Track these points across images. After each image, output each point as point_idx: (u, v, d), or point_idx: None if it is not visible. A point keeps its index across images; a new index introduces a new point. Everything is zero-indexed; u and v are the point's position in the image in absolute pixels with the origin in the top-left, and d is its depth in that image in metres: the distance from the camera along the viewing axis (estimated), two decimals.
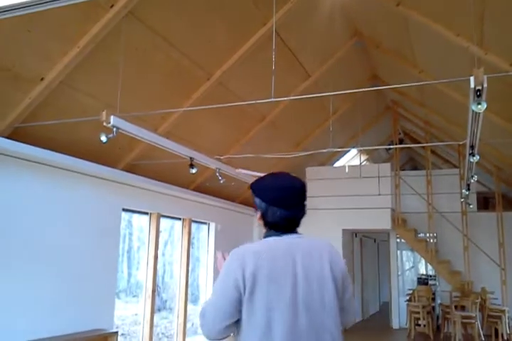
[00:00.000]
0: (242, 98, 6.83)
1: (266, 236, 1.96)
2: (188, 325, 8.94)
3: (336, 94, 4.90)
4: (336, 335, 1.84)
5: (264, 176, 2.04)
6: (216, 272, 8.81)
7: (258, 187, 1.99)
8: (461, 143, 5.88)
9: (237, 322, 1.81)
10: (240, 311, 1.78)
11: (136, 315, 11.07)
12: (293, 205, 1.96)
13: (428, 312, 9.29)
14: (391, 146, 8.78)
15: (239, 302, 1.78)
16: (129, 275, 14.75)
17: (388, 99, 10.79)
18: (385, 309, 13.01)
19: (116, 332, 6.27)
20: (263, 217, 1.96)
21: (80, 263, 6.07)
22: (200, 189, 8.66)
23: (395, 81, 8.59)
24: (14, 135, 5.08)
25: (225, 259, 2.00)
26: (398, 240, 10.89)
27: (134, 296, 13.68)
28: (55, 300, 5.66)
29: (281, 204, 1.92)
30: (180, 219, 8.74)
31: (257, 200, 1.98)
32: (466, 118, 4.41)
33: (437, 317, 10.24)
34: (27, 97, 4.87)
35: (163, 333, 9.67)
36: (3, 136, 4.96)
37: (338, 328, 1.86)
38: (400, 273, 11.07)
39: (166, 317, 11.12)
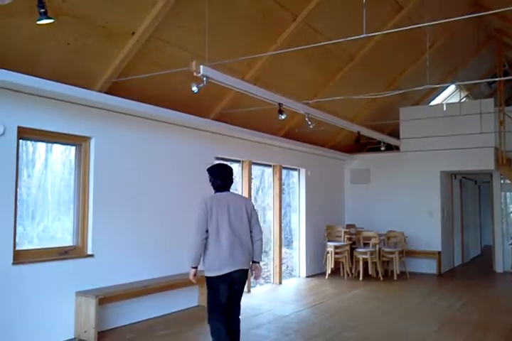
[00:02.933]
0: (329, 38, 6.50)
1: (215, 193, 4.06)
2: (283, 267, 9.23)
3: (433, 25, 4.50)
4: (248, 240, 3.97)
5: (213, 165, 4.23)
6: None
7: (210, 170, 4.10)
8: None
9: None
10: (207, 224, 3.85)
11: None
12: (224, 179, 4.05)
13: None
14: (495, 79, 7.99)
15: (207, 220, 3.85)
16: None
17: (491, 28, 9.76)
18: (486, 253, 12.53)
19: None
20: (213, 184, 4.06)
21: (181, 211, 6.37)
22: (290, 135, 8.61)
23: (500, 5, 7.69)
24: (112, 90, 5.28)
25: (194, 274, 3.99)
26: (502, 181, 10.21)
27: None
28: (161, 246, 6.06)
29: (219, 178, 4.04)
30: (270, 166, 8.81)
31: (209, 176, 4.08)
32: None
33: None
34: (121, 52, 4.99)
35: None
36: (102, 92, 5.18)
37: (248, 236, 3.98)
38: (504, 215, 10.48)
39: (262, 260, 11.58)
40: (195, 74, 4.71)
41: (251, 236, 3.99)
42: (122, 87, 5.37)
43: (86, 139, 5.25)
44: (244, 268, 3.93)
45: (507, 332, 5.42)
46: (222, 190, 4.02)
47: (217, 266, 3.79)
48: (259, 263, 4.05)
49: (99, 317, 4.96)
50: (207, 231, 3.82)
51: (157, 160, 6.07)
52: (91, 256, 5.17)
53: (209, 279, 3.86)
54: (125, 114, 5.59)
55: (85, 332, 4.84)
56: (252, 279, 4.39)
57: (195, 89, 4.82)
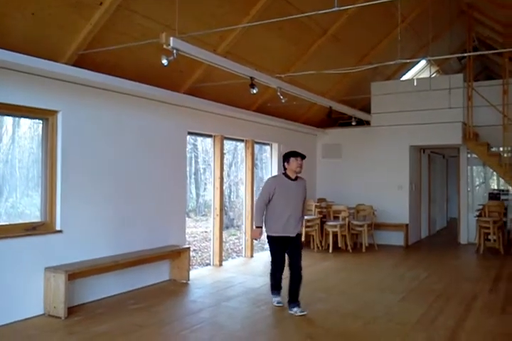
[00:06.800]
0: (302, 10, 6.41)
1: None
2: (255, 241, 9.34)
3: None
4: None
5: None
6: None
7: None
8: None
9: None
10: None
11: (205, 232, 11.75)
12: None
13: (499, 227, 9.12)
14: (465, 54, 8.07)
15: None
16: (198, 195, 15.47)
17: (463, 3, 9.80)
18: (452, 225, 12.95)
19: (189, 248, 6.66)
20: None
21: (151, 186, 6.35)
22: (262, 110, 8.57)
23: None
24: (79, 62, 5.13)
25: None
26: (469, 155, 10.47)
27: (203, 215, 14.45)
28: (132, 221, 6.04)
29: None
30: (243, 140, 8.79)
31: None
32: None
33: (508, 232, 10.07)
34: (88, 23, 4.83)
35: (231, 248, 10.23)
36: (69, 64, 5.02)
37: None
38: (469, 188, 10.80)
39: (234, 234, 11.71)
40: (164, 46, 4.61)
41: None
42: (90, 60, 5.22)
43: (53, 113, 5.11)
44: None
45: (468, 300, 5.66)
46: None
47: None
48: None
49: (69, 292, 4.95)
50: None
51: (127, 135, 5.97)
52: (59, 231, 5.11)
53: None
54: (94, 88, 5.45)
55: (55, 307, 4.83)
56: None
57: (165, 61, 4.74)
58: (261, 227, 5.13)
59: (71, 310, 4.98)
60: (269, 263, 5.41)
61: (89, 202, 5.47)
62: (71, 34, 4.86)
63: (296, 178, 5.19)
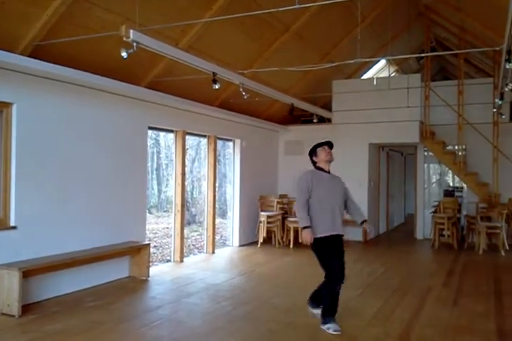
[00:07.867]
0: (264, 7, 6.43)
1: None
2: (217, 237, 9.34)
3: None
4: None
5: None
6: (244, 189, 9.04)
7: None
8: (497, 48, 5.54)
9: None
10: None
11: (167, 228, 11.65)
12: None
13: (453, 223, 9.43)
14: (422, 55, 8.28)
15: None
16: (159, 191, 15.29)
17: (421, 4, 10.05)
18: (409, 221, 13.28)
19: (149, 244, 6.59)
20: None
21: (110, 181, 6.24)
22: (225, 105, 8.54)
23: None
24: (35, 53, 4.97)
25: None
26: (426, 153, 10.78)
27: (164, 211, 14.30)
28: (91, 217, 5.92)
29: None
30: (205, 136, 8.74)
31: None
32: (504, 21, 4.11)
33: (462, 228, 10.43)
34: (44, 14, 4.69)
35: (193, 245, 10.18)
36: (24, 55, 4.86)
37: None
38: (426, 185, 11.12)
39: (196, 230, 11.66)
40: (124, 39, 4.54)
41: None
42: (47, 51, 5.06)
43: (7, 105, 4.95)
44: None
45: (422, 293, 5.83)
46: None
47: None
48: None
49: (24, 290, 4.81)
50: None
51: (86, 129, 5.84)
52: (14, 227, 4.96)
53: None
54: (51, 80, 5.30)
55: (8, 305, 4.69)
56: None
57: (124, 54, 4.67)
58: (310, 227, 4.37)
59: (26, 309, 4.84)
60: (324, 277, 4.47)
61: (45, 198, 5.32)
62: (26, 24, 4.71)
63: (329, 172, 4.89)
